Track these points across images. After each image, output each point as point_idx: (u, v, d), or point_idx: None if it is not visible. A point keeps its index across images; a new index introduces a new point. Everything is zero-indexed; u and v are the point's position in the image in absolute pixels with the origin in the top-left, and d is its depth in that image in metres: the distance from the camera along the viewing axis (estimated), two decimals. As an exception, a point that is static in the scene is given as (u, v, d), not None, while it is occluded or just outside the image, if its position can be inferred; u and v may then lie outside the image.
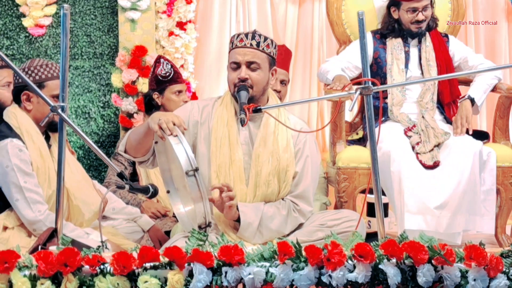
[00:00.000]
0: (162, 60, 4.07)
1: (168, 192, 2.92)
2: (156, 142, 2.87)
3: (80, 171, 3.32)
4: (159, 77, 4.06)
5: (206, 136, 3.05)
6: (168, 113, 2.83)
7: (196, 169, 2.62)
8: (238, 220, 2.97)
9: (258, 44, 3.00)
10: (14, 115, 3.14)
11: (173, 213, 3.83)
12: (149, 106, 4.13)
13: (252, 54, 2.99)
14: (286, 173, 3.03)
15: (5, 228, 3.08)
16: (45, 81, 3.11)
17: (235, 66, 3.01)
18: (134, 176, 3.98)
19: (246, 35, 3.01)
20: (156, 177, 3.91)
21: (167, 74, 4.03)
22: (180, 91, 4.08)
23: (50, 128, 3.19)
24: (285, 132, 3.05)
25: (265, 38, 3.03)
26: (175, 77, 4.05)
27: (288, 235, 3.03)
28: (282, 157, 3.03)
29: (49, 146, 3.19)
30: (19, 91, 3.16)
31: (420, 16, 3.86)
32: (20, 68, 3.18)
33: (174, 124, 2.69)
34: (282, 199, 3.06)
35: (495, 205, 3.67)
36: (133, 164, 3.97)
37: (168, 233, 3.53)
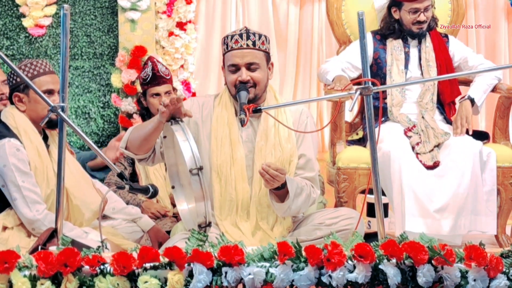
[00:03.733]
0: (149, 62, 4.05)
1: (173, 187, 2.92)
2: (165, 137, 2.87)
3: (80, 170, 3.31)
4: (141, 80, 4.06)
5: (207, 135, 3.04)
6: None
7: (201, 168, 2.62)
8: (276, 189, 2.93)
9: (254, 43, 2.97)
10: (12, 116, 3.14)
11: (173, 213, 3.83)
12: (144, 109, 4.12)
13: (250, 55, 2.97)
14: (290, 163, 3.02)
15: (4, 228, 3.08)
16: (31, 79, 3.10)
17: (234, 68, 2.98)
18: (133, 177, 3.97)
19: (241, 35, 2.98)
20: (155, 177, 3.90)
21: (146, 76, 4.01)
22: (157, 94, 3.99)
23: (48, 126, 3.18)
24: (285, 123, 3.03)
25: (260, 36, 3.00)
26: (153, 79, 4.00)
27: (287, 233, 3.04)
28: (285, 147, 3.02)
29: (47, 145, 3.19)
30: (10, 94, 3.17)
31: (422, 17, 3.85)
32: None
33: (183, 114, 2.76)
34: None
35: (496, 205, 3.67)
36: (132, 164, 3.97)
37: (167, 233, 3.53)
